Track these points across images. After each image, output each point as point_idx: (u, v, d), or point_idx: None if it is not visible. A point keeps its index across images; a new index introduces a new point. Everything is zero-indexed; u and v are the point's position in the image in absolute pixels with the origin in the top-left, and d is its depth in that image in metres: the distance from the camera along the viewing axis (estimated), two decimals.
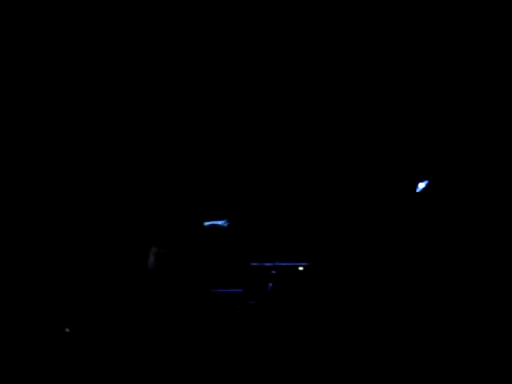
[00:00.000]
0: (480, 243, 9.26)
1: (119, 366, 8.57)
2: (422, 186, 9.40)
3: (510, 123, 9.96)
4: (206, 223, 9.98)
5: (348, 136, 10.75)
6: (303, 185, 10.72)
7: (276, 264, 9.90)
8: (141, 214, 10.42)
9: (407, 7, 10.46)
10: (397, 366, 8.35)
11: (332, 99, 10.90)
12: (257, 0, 10.82)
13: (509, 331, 8.22)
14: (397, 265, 9.29)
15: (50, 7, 11.09)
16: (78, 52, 11.32)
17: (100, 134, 11.20)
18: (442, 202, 9.52)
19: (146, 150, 10.91)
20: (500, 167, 9.85)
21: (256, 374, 8.63)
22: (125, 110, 11.27)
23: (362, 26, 10.80)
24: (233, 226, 10.29)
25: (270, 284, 9.68)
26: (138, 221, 10.40)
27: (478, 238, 9.30)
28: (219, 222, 9.96)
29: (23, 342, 9.11)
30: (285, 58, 11.03)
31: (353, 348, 8.61)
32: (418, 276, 9.26)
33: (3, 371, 8.68)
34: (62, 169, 11.04)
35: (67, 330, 9.09)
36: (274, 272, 9.81)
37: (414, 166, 10.30)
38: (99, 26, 11.28)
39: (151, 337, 8.95)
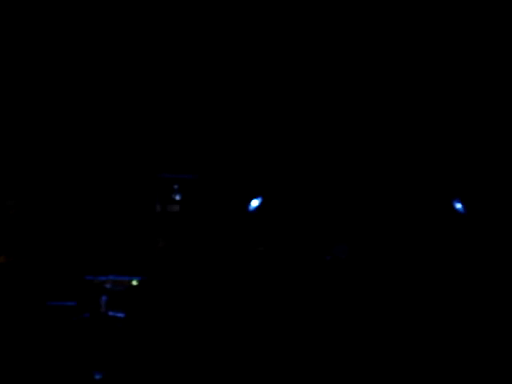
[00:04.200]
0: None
1: None
2: (255, 204, 9.70)
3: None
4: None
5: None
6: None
7: (110, 278, 9.95)
8: None
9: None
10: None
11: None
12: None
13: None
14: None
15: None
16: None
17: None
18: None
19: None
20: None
21: None
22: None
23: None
24: (70, 240, 10.27)
25: (104, 297, 9.72)
26: None
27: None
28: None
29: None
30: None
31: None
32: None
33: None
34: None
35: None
36: (107, 286, 9.87)
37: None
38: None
39: None
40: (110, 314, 9.62)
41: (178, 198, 10.52)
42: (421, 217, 10.09)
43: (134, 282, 10.08)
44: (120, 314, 9.63)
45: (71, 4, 10.76)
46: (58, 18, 10.78)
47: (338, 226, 10.35)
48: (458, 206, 9.65)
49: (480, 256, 9.59)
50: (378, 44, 10.86)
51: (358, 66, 10.86)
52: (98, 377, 8.77)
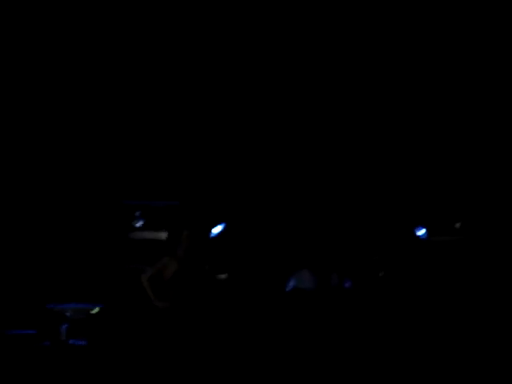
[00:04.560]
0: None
1: None
2: (217, 230, 9.71)
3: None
4: None
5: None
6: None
7: (70, 306, 9.89)
8: None
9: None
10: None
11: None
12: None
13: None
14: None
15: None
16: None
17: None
18: None
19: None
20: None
21: None
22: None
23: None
24: (30, 268, 10.19)
25: (65, 326, 9.64)
26: None
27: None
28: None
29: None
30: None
31: None
32: None
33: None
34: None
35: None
36: (68, 314, 9.79)
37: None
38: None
39: None
40: (71, 342, 9.55)
41: (140, 224, 10.49)
42: (383, 242, 10.14)
43: (95, 310, 10.00)
44: (81, 342, 9.56)
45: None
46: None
47: (301, 255, 10.37)
48: (421, 232, 9.72)
49: (442, 282, 9.65)
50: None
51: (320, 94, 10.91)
52: None
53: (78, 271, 10.73)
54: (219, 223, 9.64)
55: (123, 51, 11.04)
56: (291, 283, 9.92)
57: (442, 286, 9.63)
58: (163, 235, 10.54)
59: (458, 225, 9.62)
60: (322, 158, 11.05)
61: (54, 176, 11.10)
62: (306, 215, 10.88)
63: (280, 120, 11.20)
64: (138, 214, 10.51)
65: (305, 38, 10.81)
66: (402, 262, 9.78)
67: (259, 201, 11.06)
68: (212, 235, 9.81)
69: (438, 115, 10.76)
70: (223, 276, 9.14)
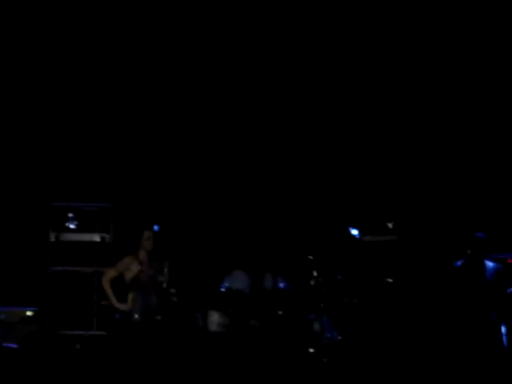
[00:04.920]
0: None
1: None
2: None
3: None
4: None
5: None
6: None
7: (2, 309, 9.82)
8: None
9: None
10: None
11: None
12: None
13: None
14: None
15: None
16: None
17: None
18: None
19: None
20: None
21: None
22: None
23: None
24: None
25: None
26: None
27: None
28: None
29: None
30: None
31: None
32: None
33: None
34: None
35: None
36: (0, 317, 9.72)
37: None
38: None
39: None
40: (4, 345, 9.46)
41: (72, 226, 10.41)
42: (317, 242, 10.31)
43: (29, 313, 9.92)
44: (13, 345, 9.47)
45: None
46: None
47: (235, 255, 10.46)
48: (354, 232, 9.90)
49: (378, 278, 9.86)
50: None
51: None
52: None
53: (9, 274, 10.63)
54: (153, 224, 9.62)
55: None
56: (225, 284, 10.01)
57: (377, 285, 9.83)
58: (97, 237, 10.51)
59: (390, 225, 9.82)
60: (254, 158, 11.17)
61: None
62: (240, 215, 10.98)
63: (208, 123, 11.28)
64: (70, 215, 10.43)
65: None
66: (336, 261, 9.95)
67: (191, 201, 11.12)
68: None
69: (369, 115, 10.98)
70: (161, 278, 9.11)
